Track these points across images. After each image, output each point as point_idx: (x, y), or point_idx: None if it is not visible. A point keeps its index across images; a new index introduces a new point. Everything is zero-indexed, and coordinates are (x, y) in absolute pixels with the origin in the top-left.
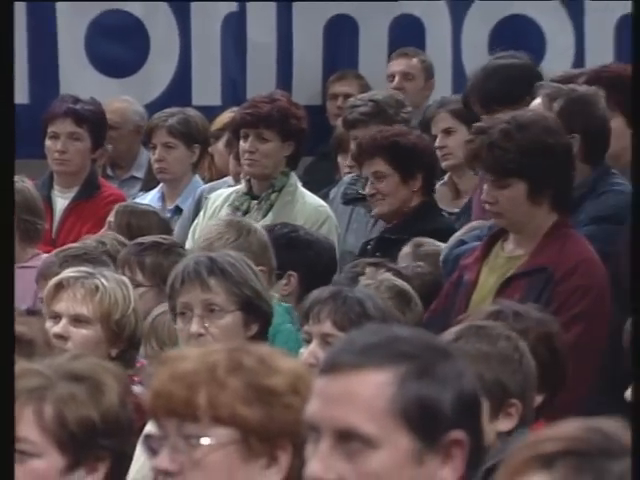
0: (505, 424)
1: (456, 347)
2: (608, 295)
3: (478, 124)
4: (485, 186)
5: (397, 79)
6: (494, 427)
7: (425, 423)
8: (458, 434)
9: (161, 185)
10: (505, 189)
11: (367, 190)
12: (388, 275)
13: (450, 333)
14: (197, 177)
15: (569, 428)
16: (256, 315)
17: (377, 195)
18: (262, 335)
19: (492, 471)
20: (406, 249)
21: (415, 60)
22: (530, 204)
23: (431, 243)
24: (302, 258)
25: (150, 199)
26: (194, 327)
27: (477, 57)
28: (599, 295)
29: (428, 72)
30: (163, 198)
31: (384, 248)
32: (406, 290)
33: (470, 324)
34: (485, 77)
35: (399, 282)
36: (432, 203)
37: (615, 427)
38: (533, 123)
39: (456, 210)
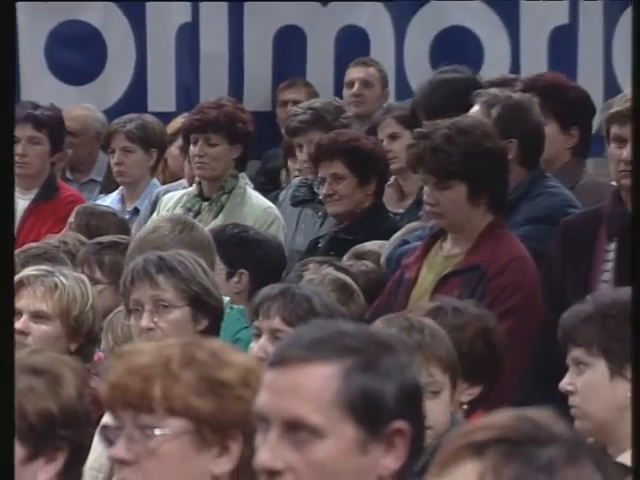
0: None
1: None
2: (539, 292)
3: (419, 129)
4: (426, 188)
5: (357, 86)
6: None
7: (369, 414)
8: (401, 424)
9: (121, 188)
10: (446, 190)
11: (324, 190)
12: (330, 269)
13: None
14: (155, 180)
15: (501, 417)
16: (205, 310)
17: (334, 196)
18: (213, 330)
19: None
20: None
21: (373, 69)
22: (469, 205)
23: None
24: (252, 257)
25: (110, 201)
26: (144, 322)
27: (419, 66)
28: (530, 292)
29: (384, 81)
30: (123, 200)
31: (337, 247)
32: (348, 283)
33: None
34: (431, 91)
35: (342, 276)
36: (381, 205)
37: (545, 416)
38: (473, 128)
39: (401, 211)
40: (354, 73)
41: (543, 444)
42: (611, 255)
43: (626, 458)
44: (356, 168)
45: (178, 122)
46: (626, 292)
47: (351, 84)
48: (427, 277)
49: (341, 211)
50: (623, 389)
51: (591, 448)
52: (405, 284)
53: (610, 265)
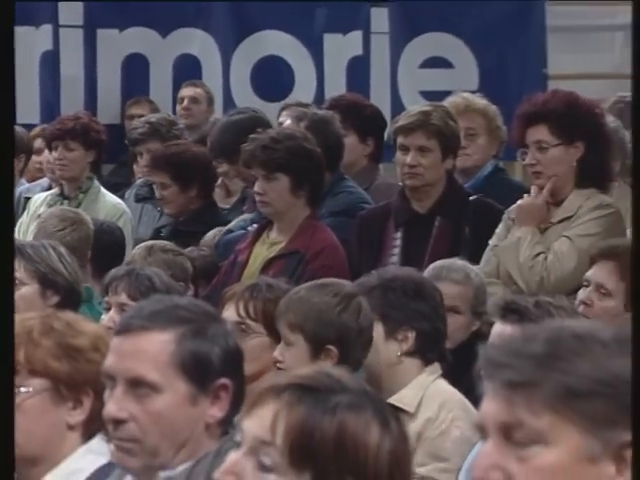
0: (325, 364)
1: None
2: (347, 272)
3: (252, 135)
4: (257, 182)
5: (186, 101)
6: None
7: (198, 372)
8: (224, 381)
9: None
10: (272, 182)
11: (157, 194)
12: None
13: (297, 289)
14: (23, 180)
15: (304, 370)
16: (54, 288)
17: (163, 200)
18: (67, 305)
19: None
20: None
21: (200, 89)
22: (291, 196)
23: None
24: (98, 243)
25: None
26: None
27: (242, 88)
28: (339, 272)
29: (210, 100)
30: None
31: (177, 237)
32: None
33: (314, 282)
34: (221, 132)
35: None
36: (213, 202)
37: (340, 372)
38: (296, 134)
39: (227, 206)
40: (185, 92)
41: (333, 392)
42: (398, 242)
43: (394, 400)
44: (177, 177)
45: (37, 131)
46: (405, 270)
47: (182, 100)
48: (256, 260)
49: (171, 212)
50: (394, 349)
51: (373, 398)
52: (238, 266)
53: (397, 250)
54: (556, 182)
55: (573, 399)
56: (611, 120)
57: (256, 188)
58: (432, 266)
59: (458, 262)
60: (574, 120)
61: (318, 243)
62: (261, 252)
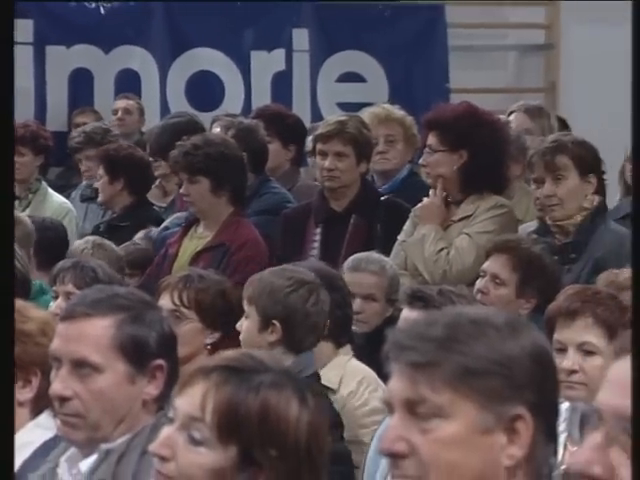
0: (270, 338)
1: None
2: (267, 264)
3: (178, 143)
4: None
5: (120, 112)
6: (264, 338)
7: (136, 354)
8: (160, 362)
9: None
10: (195, 184)
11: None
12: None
13: (260, 273)
14: None
15: (230, 352)
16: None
17: (99, 189)
18: (20, 294)
19: None
20: (139, 235)
21: (132, 102)
22: (212, 196)
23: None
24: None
25: None
26: None
27: (177, 99)
28: (260, 263)
29: (141, 111)
30: None
31: (112, 231)
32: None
33: (281, 267)
34: (159, 133)
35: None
36: (145, 200)
37: (264, 354)
38: (215, 140)
39: (164, 205)
40: (118, 104)
41: (256, 372)
42: (317, 237)
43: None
44: (108, 170)
45: None
46: (315, 264)
47: (116, 111)
48: (185, 253)
49: (102, 200)
50: None
51: (293, 376)
52: (169, 258)
53: (317, 245)
54: (444, 183)
55: (470, 378)
56: (513, 127)
57: (181, 190)
58: (351, 258)
59: (374, 255)
60: (460, 130)
61: (241, 237)
62: (190, 246)
